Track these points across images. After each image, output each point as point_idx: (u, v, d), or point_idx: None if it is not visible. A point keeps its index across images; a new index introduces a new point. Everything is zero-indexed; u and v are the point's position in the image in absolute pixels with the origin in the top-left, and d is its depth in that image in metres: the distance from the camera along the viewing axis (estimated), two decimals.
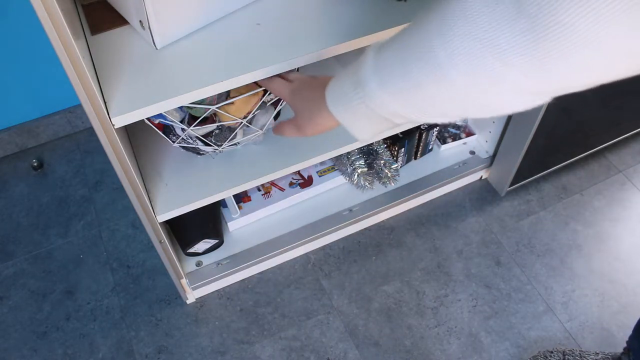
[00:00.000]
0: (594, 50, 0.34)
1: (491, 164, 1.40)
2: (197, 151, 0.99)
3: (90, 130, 1.54)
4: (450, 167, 1.39)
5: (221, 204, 1.26)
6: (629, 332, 1.03)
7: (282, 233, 1.26)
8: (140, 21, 0.79)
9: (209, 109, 0.85)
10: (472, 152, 1.42)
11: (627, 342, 1.03)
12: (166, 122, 0.91)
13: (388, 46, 0.50)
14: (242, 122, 0.90)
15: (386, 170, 1.30)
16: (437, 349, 1.16)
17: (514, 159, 1.29)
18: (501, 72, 0.39)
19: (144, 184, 0.97)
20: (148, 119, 0.91)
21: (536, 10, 0.35)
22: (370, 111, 0.53)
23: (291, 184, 1.29)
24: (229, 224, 1.24)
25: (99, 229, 1.36)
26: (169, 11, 0.77)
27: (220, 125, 0.91)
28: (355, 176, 1.29)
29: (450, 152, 1.42)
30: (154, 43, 0.80)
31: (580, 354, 1.11)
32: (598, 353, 1.11)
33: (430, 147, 1.39)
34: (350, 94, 0.55)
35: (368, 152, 1.31)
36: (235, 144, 0.98)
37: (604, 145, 1.46)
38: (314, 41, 0.82)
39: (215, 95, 0.84)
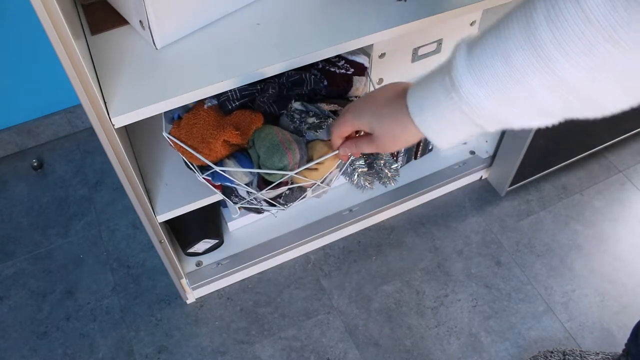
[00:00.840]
0: None
1: (491, 164, 1.40)
2: (258, 211, 0.93)
3: (90, 130, 1.54)
4: (450, 167, 1.39)
5: (221, 203, 1.26)
6: (629, 332, 1.03)
7: (282, 233, 1.26)
8: (140, 21, 0.79)
9: (287, 174, 0.79)
10: (472, 152, 1.42)
11: (626, 344, 1.03)
12: (230, 185, 0.85)
13: (482, 41, 0.46)
14: (317, 183, 0.85)
15: (386, 170, 1.30)
16: (437, 349, 1.16)
17: (514, 159, 1.29)
18: (615, 56, 0.38)
19: (144, 184, 0.97)
20: (209, 180, 0.84)
21: None
22: (464, 117, 0.49)
23: None
24: (229, 224, 1.24)
25: (99, 229, 1.36)
26: (169, 11, 0.77)
27: (292, 187, 0.85)
28: (355, 176, 1.29)
29: (450, 152, 1.42)
30: (154, 43, 0.80)
31: (580, 354, 1.11)
32: (598, 353, 1.11)
33: (430, 147, 1.39)
34: (440, 99, 0.50)
35: (368, 153, 1.31)
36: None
37: (604, 145, 1.46)
38: (314, 41, 0.82)
39: (296, 159, 0.79)
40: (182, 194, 0.96)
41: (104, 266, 1.29)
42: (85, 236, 1.35)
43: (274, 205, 0.87)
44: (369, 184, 1.32)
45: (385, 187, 1.34)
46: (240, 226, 1.26)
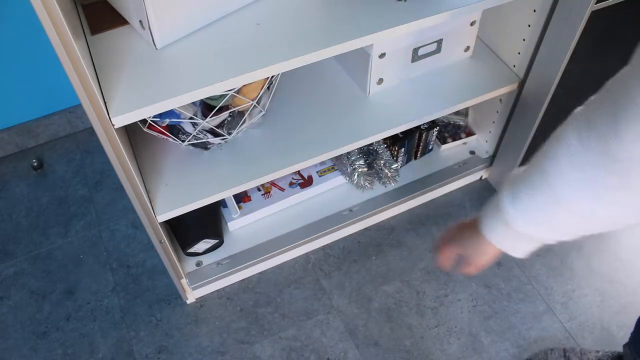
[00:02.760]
0: None
1: (491, 164, 1.40)
2: (205, 146, 1.00)
3: (90, 130, 1.54)
4: (450, 167, 1.39)
5: (221, 203, 1.26)
6: (629, 331, 1.03)
7: (282, 233, 1.26)
8: (140, 21, 0.79)
9: (228, 94, 0.88)
10: (472, 152, 1.42)
11: (624, 346, 1.03)
12: (175, 122, 0.91)
13: (521, 188, 0.64)
14: (252, 104, 0.93)
15: (386, 170, 1.30)
16: (437, 349, 1.16)
17: (514, 159, 1.29)
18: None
19: (144, 184, 0.97)
20: (152, 125, 0.91)
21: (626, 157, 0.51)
22: (525, 237, 0.66)
23: (291, 184, 1.29)
24: (229, 224, 1.24)
25: (99, 229, 1.36)
26: (169, 11, 0.77)
27: (232, 111, 0.94)
28: (355, 176, 1.29)
29: (450, 152, 1.42)
30: (154, 43, 0.80)
31: (581, 351, 1.11)
32: (599, 351, 1.11)
33: (430, 147, 1.39)
34: (503, 232, 0.68)
35: (368, 152, 1.31)
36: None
37: None
38: (314, 41, 0.82)
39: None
40: (182, 194, 0.96)
41: (104, 266, 1.29)
42: (85, 236, 1.35)
43: (219, 135, 0.97)
44: (369, 183, 1.32)
45: (385, 187, 1.34)
46: (240, 226, 1.26)
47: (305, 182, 1.30)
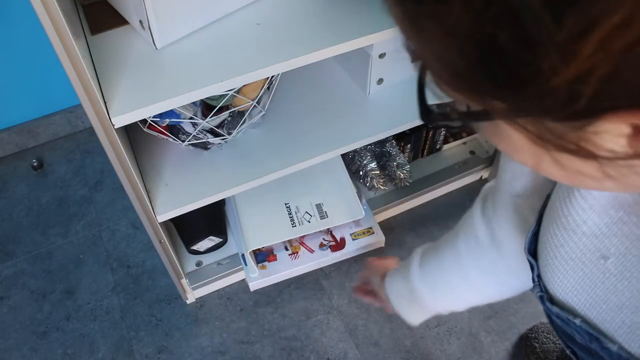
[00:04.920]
0: None
1: (491, 164, 1.40)
2: (205, 146, 1.00)
3: (90, 130, 1.54)
4: (450, 167, 1.39)
5: (223, 203, 1.26)
6: None
7: None
8: (140, 21, 0.79)
9: (228, 94, 0.88)
10: (472, 152, 1.42)
11: None
12: (175, 122, 0.91)
13: (428, 265, 0.73)
14: (252, 104, 0.93)
15: (399, 172, 1.29)
16: (437, 349, 1.16)
17: None
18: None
19: (144, 184, 0.97)
20: (152, 125, 0.91)
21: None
22: (421, 305, 0.75)
23: (322, 246, 1.21)
24: (250, 284, 1.17)
25: (99, 229, 1.36)
26: (169, 11, 0.77)
27: (232, 111, 0.94)
28: (368, 178, 1.29)
29: (450, 152, 1.42)
30: (154, 43, 0.80)
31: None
32: None
33: (437, 147, 1.38)
34: (404, 293, 0.77)
35: (381, 155, 1.31)
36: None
37: None
38: (314, 41, 0.82)
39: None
40: (182, 194, 0.96)
41: (104, 266, 1.29)
42: (85, 236, 1.35)
43: (219, 135, 0.97)
44: (382, 185, 1.31)
45: (398, 188, 1.34)
46: (262, 287, 1.23)
47: (337, 244, 1.21)
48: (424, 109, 0.30)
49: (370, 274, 0.91)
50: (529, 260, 0.50)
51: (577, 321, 0.44)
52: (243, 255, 1.18)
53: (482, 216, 0.66)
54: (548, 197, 0.47)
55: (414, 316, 0.79)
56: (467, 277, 0.69)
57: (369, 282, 0.90)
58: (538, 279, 0.48)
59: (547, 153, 0.27)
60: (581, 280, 0.42)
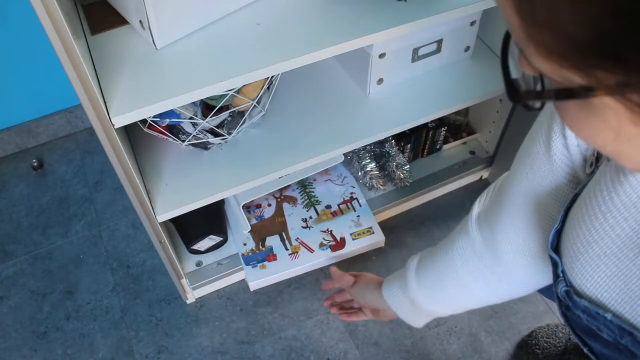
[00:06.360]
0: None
1: (491, 164, 1.40)
2: (205, 146, 1.00)
3: (90, 130, 1.54)
4: (450, 167, 1.39)
5: (222, 202, 1.26)
6: None
7: None
8: (140, 21, 0.79)
9: (228, 94, 0.88)
10: (472, 152, 1.42)
11: None
12: (175, 122, 0.91)
13: (425, 271, 0.77)
14: (252, 104, 0.93)
15: (399, 172, 1.29)
16: (437, 349, 1.16)
17: (514, 159, 1.29)
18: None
19: (144, 184, 0.97)
20: (152, 125, 0.91)
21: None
22: (421, 310, 0.79)
23: (321, 245, 1.20)
24: (250, 284, 1.17)
25: (99, 229, 1.36)
26: (169, 11, 0.77)
27: (232, 111, 0.94)
28: (367, 178, 1.29)
29: (450, 152, 1.42)
30: (154, 43, 0.80)
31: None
32: None
33: (438, 147, 1.38)
34: (404, 300, 0.80)
35: (381, 155, 1.30)
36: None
37: None
38: (314, 41, 0.82)
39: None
40: (182, 194, 0.96)
41: (104, 266, 1.29)
42: (85, 236, 1.35)
43: (219, 135, 0.97)
44: (381, 185, 1.31)
45: (398, 188, 1.34)
46: (261, 287, 1.22)
47: (337, 244, 1.20)
48: (511, 88, 0.29)
49: (341, 285, 0.95)
50: (551, 257, 0.49)
51: (608, 315, 0.43)
52: (243, 255, 1.18)
53: (477, 222, 0.67)
54: (576, 195, 0.47)
55: (419, 321, 0.82)
56: (463, 283, 0.70)
57: (350, 296, 0.94)
58: (562, 274, 0.48)
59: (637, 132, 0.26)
60: (614, 276, 0.42)
